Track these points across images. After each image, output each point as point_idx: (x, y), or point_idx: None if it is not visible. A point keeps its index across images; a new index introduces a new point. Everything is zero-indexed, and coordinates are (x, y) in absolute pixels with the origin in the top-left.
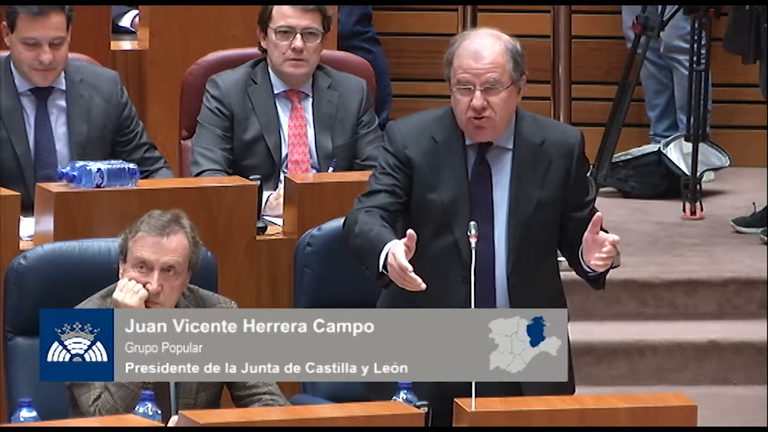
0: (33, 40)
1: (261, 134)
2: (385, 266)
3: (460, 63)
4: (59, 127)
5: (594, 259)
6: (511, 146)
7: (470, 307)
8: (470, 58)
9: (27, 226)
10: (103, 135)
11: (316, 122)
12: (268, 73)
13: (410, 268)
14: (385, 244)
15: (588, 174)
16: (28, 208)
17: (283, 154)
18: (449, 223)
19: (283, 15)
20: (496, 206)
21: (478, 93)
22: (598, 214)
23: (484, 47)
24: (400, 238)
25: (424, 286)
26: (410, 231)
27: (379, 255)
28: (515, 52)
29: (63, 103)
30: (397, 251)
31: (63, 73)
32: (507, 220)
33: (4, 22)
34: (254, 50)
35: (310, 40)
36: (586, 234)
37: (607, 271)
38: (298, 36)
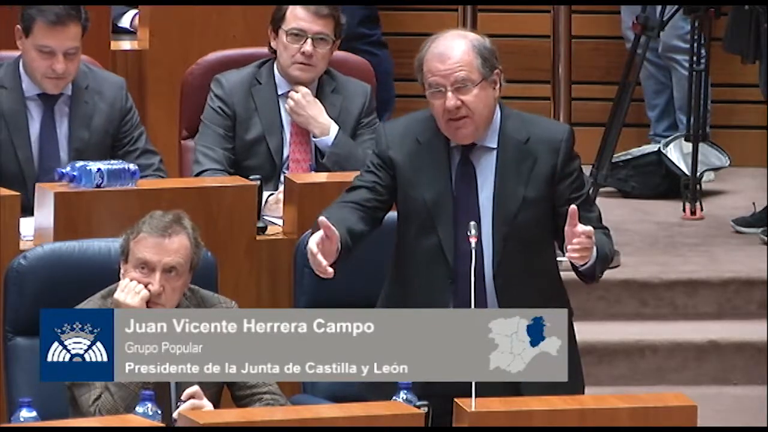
0: (48, 48)
1: (263, 135)
2: None
3: (428, 67)
4: (62, 133)
5: (569, 252)
6: (495, 145)
7: (459, 306)
8: (437, 60)
9: (27, 226)
10: (103, 140)
11: None
12: (274, 73)
13: (315, 250)
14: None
15: (580, 171)
16: (27, 212)
17: (284, 156)
18: (432, 223)
19: (297, 17)
20: (482, 206)
21: (449, 94)
22: (572, 206)
23: (450, 48)
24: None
25: (330, 272)
26: (322, 218)
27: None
28: (482, 49)
29: (68, 108)
30: (311, 238)
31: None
32: (491, 220)
33: (19, 26)
34: (254, 50)
35: (321, 45)
36: (566, 227)
37: (597, 266)
38: (309, 41)
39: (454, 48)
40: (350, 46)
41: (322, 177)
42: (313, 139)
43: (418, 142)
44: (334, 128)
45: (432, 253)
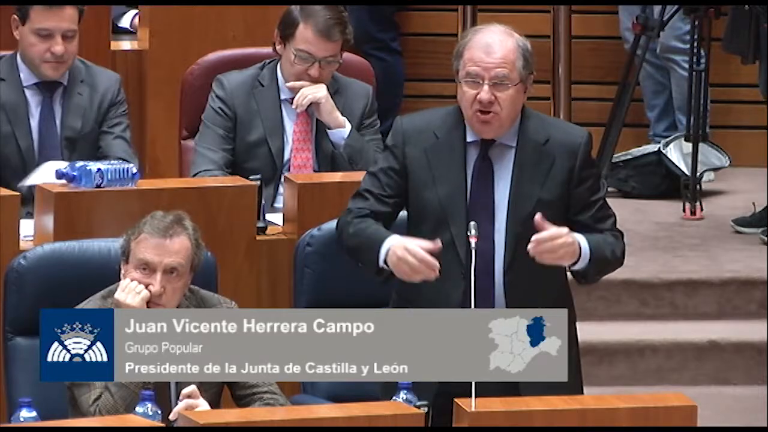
0: (46, 31)
1: (264, 137)
2: (385, 261)
3: (471, 55)
4: (59, 122)
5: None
6: (514, 144)
7: (469, 305)
8: (482, 51)
9: (27, 226)
10: (94, 131)
11: (319, 126)
12: (277, 76)
13: (426, 257)
14: (383, 239)
15: (598, 176)
16: (29, 203)
17: (285, 158)
18: (446, 220)
19: (306, 40)
20: (497, 204)
21: (486, 87)
22: (537, 216)
23: (497, 42)
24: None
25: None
26: (438, 242)
27: (379, 250)
28: (526, 51)
29: (62, 99)
30: (408, 244)
31: (68, 70)
32: (506, 217)
33: (15, 15)
34: (254, 50)
35: (328, 67)
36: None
37: (590, 268)
38: (316, 65)
39: (501, 43)
40: (360, 49)
41: (322, 177)
42: (329, 131)
43: (436, 137)
44: (347, 122)
45: (445, 249)
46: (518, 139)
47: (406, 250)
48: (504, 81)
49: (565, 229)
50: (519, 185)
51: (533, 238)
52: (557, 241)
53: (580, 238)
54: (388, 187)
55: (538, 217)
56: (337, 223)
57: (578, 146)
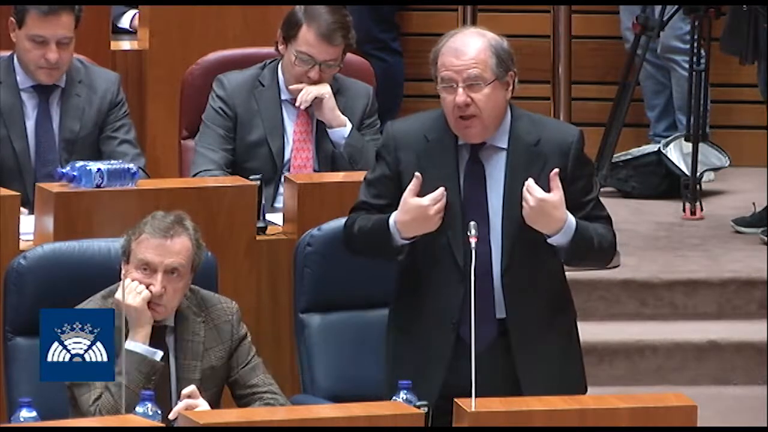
0: (41, 38)
1: (264, 137)
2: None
3: (443, 61)
4: (56, 125)
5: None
6: (505, 146)
7: (469, 307)
8: (452, 55)
9: (27, 224)
10: (93, 132)
11: (319, 126)
12: (278, 77)
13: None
14: (387, 219)
15: (591, 174)
16: (25, 205)
17: (286, 159)
18: (441, 224)
19: (308, 42)
20: (491, 206)
21: (460, 90)
22: (554, 170)
23: (466, 44)
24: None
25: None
26: (417, 174)
27: (387, 226)
28: (499, 49)
29: (60, 101)
30: (407, 199)
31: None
32: (501, 220)
33: (12, 18)
34: (254, 50)
35: (329, 71)
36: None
37: (569, 248)
38: (317, 67)
39: (470, 45)
40: (361, 49)
41: (322, 177)
42: (329, 130)
43: (427, 140)
44: (348, 121)
45: (441, 253)
46: (509, 140)
47: (410, 206)
48: (477, 81)
49: (557, 199)
50: (513, 188)
51: (531, 186)
52: (543, 206)
53: (570, 216)
54: (384, 196)
55: (554, 173)
56: (343, 238)
57: (570, 145)
